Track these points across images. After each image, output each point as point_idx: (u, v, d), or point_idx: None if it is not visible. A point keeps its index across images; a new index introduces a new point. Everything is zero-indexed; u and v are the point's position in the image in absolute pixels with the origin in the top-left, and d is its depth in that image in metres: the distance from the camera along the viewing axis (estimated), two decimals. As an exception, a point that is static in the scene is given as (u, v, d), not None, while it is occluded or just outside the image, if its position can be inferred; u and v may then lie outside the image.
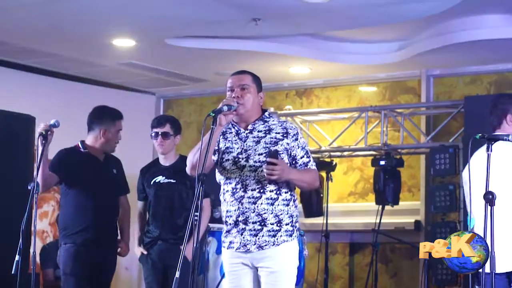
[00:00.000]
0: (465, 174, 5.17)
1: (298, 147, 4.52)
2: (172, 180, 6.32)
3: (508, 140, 4.35)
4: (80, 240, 5.99)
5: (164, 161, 6.41)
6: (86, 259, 5.98)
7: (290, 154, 4.49)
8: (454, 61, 8.56)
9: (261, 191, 4.42)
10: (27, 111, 7.21)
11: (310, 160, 4.56)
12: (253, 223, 4.40)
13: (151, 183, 6.38)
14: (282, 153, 4.47)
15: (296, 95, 9.86)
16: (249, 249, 4.40)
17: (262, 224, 4.39)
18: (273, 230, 4.39)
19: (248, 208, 4.40)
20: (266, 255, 4.39)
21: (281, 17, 7.38)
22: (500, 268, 4.25)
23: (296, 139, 4.52)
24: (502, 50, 7.92)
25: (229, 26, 7.67)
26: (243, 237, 4.41)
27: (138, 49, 8.52)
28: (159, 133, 6.33)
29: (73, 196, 6.07)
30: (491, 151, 4.20)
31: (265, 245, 4.38)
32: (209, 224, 6.54)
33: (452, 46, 7.78)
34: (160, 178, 6.36)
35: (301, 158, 4.51)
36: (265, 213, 4.40)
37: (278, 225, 4.40)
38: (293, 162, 4.52)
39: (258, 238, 4.39)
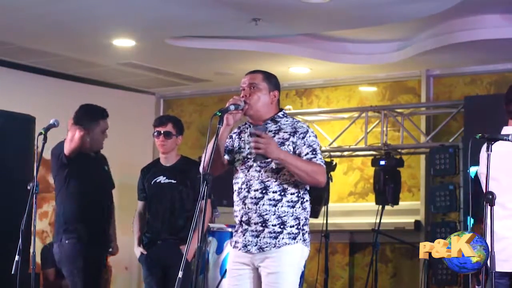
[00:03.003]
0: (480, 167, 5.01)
1: (304, 145, 4.45)
2: (173, 181, 6.31)
3: (509, 140, 4.33)
4: (84, 236, 5.90)
5: (165, 161, 6.40)
6: (90, 255, 5.93)
7: (296, 151, 4.42)
8: (454, 61, 8.56)
9: (263, 191, 4.35)
10: (27, 111, 7.22)
11: (315, 157, 4.45)
12: (255, 224, 4.34)
13: (152, 183, 6.37)
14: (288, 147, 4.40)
15: (296, 95, 9.85)
16: (249, 250, 4.36)
17: (264, 225, 4.33)
18: (274, 232, 4.32)
19: (251, 209, 4.35)
20: (267, 256, 4.33)
21: (281, 17, 7.38)
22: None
23: (303, 137, 4.47)
24: (502, 50, 7.92)
25: (229, 26, 7.67)
26: (245, 238, 4.37)
27: (138, 49, 8.52)
28: (161, 132, 6.32)
29: (72, 191, 5.95)
30: (491, 151, 4.18)
31: (266, 247, 4.32)
32: (209, 224, 6.53)
33: (452, 46, 7.78)
34: (161, 178, 6.35)
35: (305, 154, 4.43)
36: (266, 214, 4.33)
37: (281, 226, 4.33)
38: None
39: (260, 240, 4.33)
